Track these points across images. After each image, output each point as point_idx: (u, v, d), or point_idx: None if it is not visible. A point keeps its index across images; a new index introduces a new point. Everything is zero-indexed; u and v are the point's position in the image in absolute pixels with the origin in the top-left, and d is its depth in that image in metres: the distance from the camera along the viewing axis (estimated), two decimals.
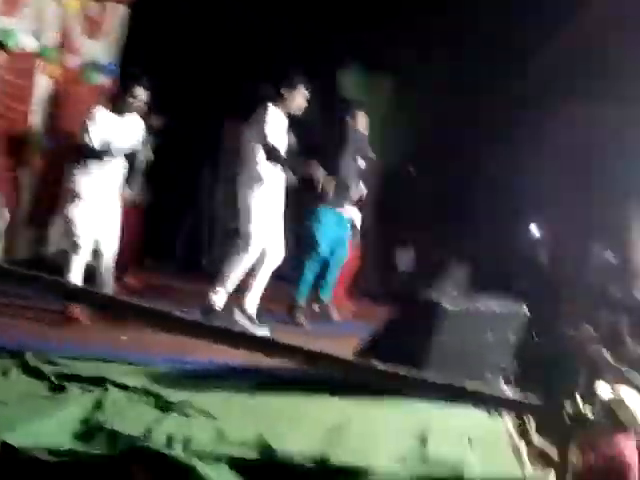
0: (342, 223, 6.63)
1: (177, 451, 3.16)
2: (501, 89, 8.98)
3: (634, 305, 7.60)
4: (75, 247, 5.52)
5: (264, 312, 6.12)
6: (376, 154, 7.09)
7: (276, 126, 5.84)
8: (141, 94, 5.76)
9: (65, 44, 7.75)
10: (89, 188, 5.61)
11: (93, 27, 8.21)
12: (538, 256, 9.92)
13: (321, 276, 6.63)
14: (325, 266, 6.61)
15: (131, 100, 5.72)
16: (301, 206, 6.97)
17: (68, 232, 5.62)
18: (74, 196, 5.59)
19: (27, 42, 7.12)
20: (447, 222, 9.17)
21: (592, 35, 8.03)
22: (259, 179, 5.78)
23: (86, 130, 5.58)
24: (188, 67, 8.92)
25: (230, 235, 6.18)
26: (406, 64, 9.13)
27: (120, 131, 5.71)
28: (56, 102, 7.82)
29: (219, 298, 5.75)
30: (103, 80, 8.34)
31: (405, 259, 9.35)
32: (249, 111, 8.30)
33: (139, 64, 8.29)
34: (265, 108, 5.81)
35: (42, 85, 7.58)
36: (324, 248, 6.47)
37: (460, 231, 8.97)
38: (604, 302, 7.42)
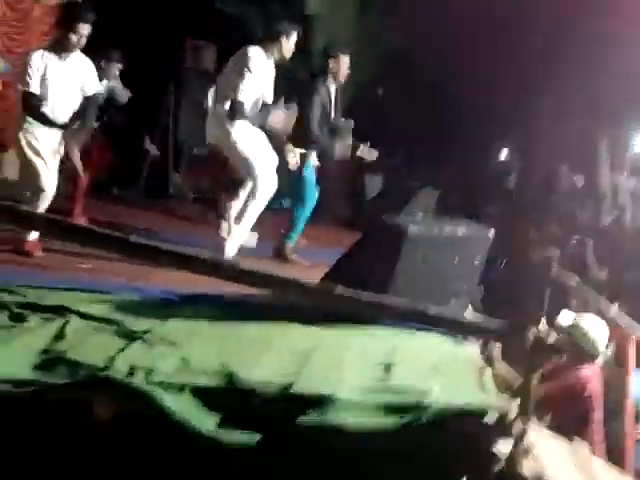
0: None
1: (139, 381, 3.12)
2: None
3: (599, 229, 7.67)
4: (39, 192, 5.17)
5: None
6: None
7: (261, 73, 5.52)
8: (84, 30, 5.09)
9: None
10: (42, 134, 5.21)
11: None
12: (507, 181, 9.94)
13: None
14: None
15: (74, 38, 5.10)
16: None
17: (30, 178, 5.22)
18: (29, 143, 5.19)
19: None
20: (416, 147, 9.09)
21: None
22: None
23: (26, 76, 5.06)
24: None
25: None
26: None
27: (63, 75, 5.20)
28: (6, 23, 7.50)
29: (232, 248, 5.60)
30: None
31: (374, 185, 9.27)
32: (212, 32, 8.11)
33: None
34: (248, 55, 5.44)
35: None
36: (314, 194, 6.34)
37: (429, 156, 8.89)
38: (571, 226, 7.46)
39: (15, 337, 3.44)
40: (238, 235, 5.64)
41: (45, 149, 5.21)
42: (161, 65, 8.49)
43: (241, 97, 5.44)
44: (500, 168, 10.55)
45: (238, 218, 5.63)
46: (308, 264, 6.03)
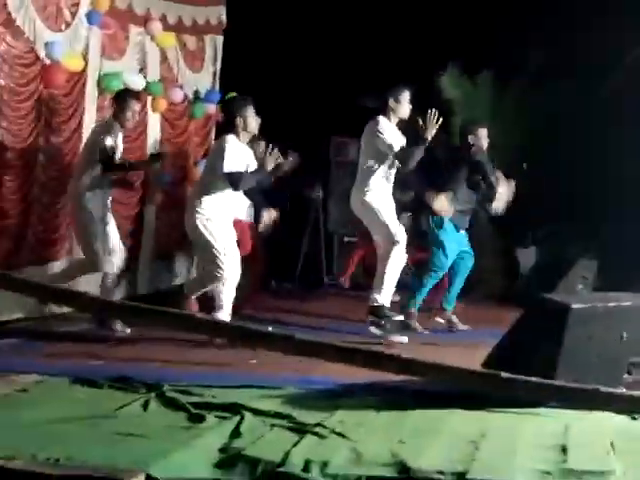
0: (462, 239, 6.59)
1: (315, 474, 3.19)
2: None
3: None
4: (219, 274, 5.62)
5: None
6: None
7: (392, 135, 6.06)
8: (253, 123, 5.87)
9: (168, 79, 8.01)
10: (221, 213, 5.74)
11: (193, 60, 8.47)
12: None
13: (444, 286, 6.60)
14: (448, 276, 6.55)
15: (253, 123, 5.86)
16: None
17: (210, 260, 5.68)
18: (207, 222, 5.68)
19: (135, 81, 7.37)
20: (570, 217, 8.90)
21: None
22: (380, 184, 6.06)
23: (222, 156, 5.66)
24: (285, 87, 9.07)
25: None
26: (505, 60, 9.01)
27: (247, 159, 5.84)
28: (167, 137, 8.08)
29: (385, 300, 5.95)
30: (209, 110, 8.59)
31: (527, 260, 9.11)
32: (354, 126, 8.42)
33: (239, 90, 8.61)
34: (377, 121, 6.07)
35: (152, 121, 7.85)
36: (449, 260, 6.44)
37: (585, 227, 8.68)
38: None
39: (194, 437, 3.59)
40: (385, 294, 5.92)
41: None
42: (309, 162, 8.85)
43: (372, 161, 6.04)
44: None
45: (379, 283, 5.94)
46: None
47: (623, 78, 8.62)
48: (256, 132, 5.97)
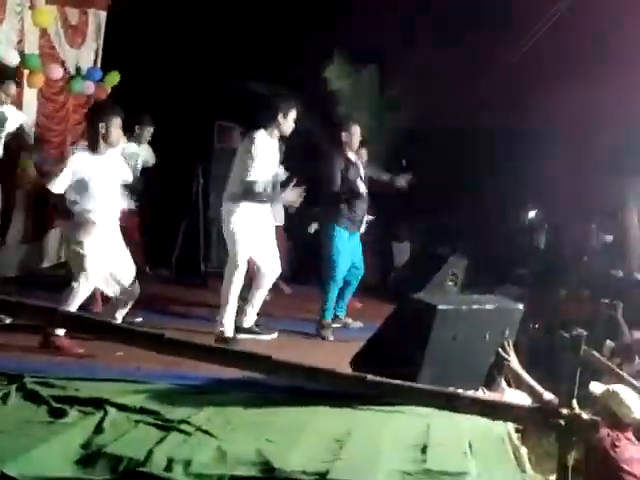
0: (354, 240, 6.61)
1: (178, 474, 3.17)
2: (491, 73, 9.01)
3: (634, 288, 7.62)
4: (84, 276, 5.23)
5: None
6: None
7: (265, 153, 5.82)
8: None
9: (48, 54, 7.71)
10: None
11: (75, 35, 8.19)
12: (537, 242, 9.93)
13: (339, 295, 6.63)
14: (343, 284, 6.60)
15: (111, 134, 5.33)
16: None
17: (77, 259, 5.27)
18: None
19: (9, 54, 7.05)
20: (443, 213, 9.16)
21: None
22: (240, 200, 5.82)
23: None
24: (171, 68, 8.91)
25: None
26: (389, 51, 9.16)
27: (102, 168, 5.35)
28: (43, 114, 7.78)
29: (229, 326, 5.78)
30: (88, 87, 8.34)
31: (401, 254, 9.32)
32: (238, 112, 8.37)
33: (120, 69, 8.39)
34: (252, 139, 5.78)
35: (28, 96, 7.54)
36: (344, 269, 6.46)
37: (456, 221, 8.95)
38: (604, 287, 7.42)
39: (55, 433, 3.50)
40: (227, 314, 5.78)
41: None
42: (191, 145, 8.73)
43: (249, 178, 5.72)
44: (529, 226, 10.58)
45: (223, 297, 5.81)
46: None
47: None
48: (117, 146, 5.48)
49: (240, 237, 5.77)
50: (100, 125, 5.28)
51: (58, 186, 5.19)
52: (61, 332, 5.16)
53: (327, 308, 6.36)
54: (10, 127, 5.87)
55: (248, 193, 5.75)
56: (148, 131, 7.30)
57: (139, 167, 7.07)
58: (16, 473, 3.03)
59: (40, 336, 5.14)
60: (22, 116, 5.98)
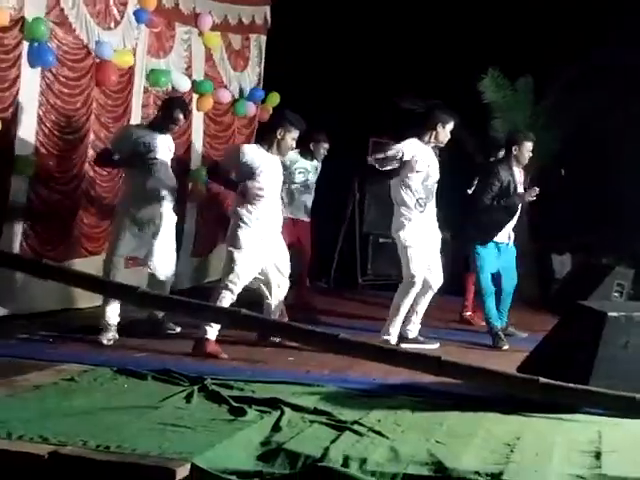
0: (503, 251, 6.58)
1: (354, 470, 3.29)
2: None
3: None
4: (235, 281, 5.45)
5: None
6: None
7: (424, 161, 5.96)
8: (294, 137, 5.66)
9: (214, 78, 8.14)
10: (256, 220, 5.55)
11: (238, 59, 8.61)
12: None
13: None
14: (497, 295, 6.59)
15: (285, 142, 5.60)
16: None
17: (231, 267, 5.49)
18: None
19: (181, 81, 7.52)
20: (605, 225, 8.91)
21: None
22: (410, 216, 5.94)
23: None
24: (327, 87, 9.16)
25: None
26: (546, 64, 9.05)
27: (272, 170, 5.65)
28: (209, 135, 8.22)
29: (394, 335, 5.91)
30: (252, 109, 8.73)
31: (562, 267, 9.14)
32: (393, 129, 8.52)
33: (280, 90, 8.72)
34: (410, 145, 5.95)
35: (197, 120, 8.00)
36: (490, 283, 6.48)
37: (619, 233, 8.68)
38: None
39: (237, 430, 3.71)
40: (395, 324, 5.89)
41: None
42: (348, 161, 8.94)
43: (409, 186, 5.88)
44: None
45: (393, 308, 5.92)
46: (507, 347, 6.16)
47: None
48: (285, 155, 5.81)
49: (414, 253, 5.88)
50: (279, 130, 5.53)
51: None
52: (213, 337, 5.37)
53: (490, 317, 6.35)
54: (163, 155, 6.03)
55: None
56: (324, 148, 7.47)
57: (309, 184, 7.25)
58: (205, 465, 3.23)
59: (193, 342, 5.42)
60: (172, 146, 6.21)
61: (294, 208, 7.10)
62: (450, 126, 6.03)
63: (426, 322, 6.30)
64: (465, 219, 6.71)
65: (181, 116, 6.00)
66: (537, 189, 6.36)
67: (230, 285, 5.40)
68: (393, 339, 5.86)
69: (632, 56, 8.34)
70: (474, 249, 6.43)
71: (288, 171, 6.69)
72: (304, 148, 7.03)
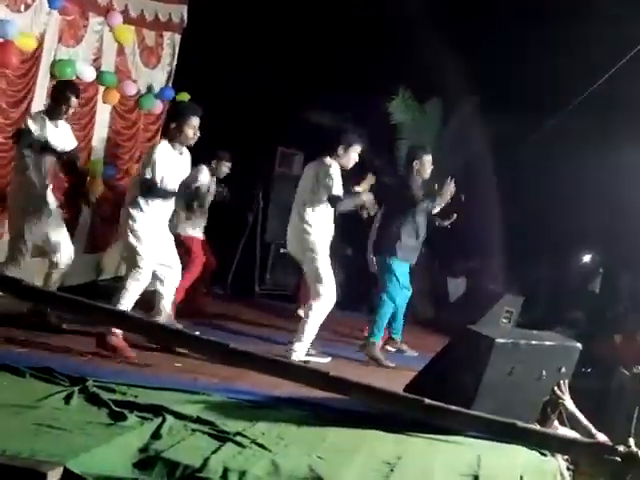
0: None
1: None
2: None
3: None
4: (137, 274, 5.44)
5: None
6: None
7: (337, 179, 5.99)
8: (196, 126, 5.60)
9: (123, 72, 7.97)
10: (148, 221, 5.51)
11: (150, 56, 8.44)
12: (592, 286, 9.83)
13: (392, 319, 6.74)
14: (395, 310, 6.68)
15: (190, 134, 5.56)
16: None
17: (131, 261, 5.50)
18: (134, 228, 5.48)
19: (86, 71, 7.32)
20: (499, 253, 9.15)
21: None
22: (319, 221, 5.98)
23: (151, 165, 5.45)
24: (237, 93, 9.09)
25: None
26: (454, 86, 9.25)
27: (177, 167, 5.63)
28: (115, 130, 8.03)
29: (300, 353, 5.86)
30: (159, 107, 8.58)
31: (456, 287, 9.33)
32: (299, 139, 8.57)
33: (190, 91, 8.61)
34: (327, 164, 5.98)
35: (101, 113, 7.79)
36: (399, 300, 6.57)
37: (513, 262, 8.93)
38: None
39: (115, 435, 3.60)
40: (306, 338, 5.87)
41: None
42: (253, 169, 8.89)
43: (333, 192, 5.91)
44: (585, 273, 10.47)
45: (304, 323, 5.89)
46: (393, 366, 6.23)
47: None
48: (190, 144, 5.66)
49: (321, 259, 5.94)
50: (178, 122, 5.52)
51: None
52: (118, 332, 5.25)
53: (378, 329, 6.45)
54: (60, 146, 5.94)
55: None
56: (227, 166, 7.46)
57: (209, 198, 7.21)
58: (78, 470, 3.11)
59: (96, 337, 5.28)
60: (73, 142, 6.14)
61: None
62: (356, 149, 6.07)
63: (321, 336, 6.30)
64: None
65: (74, 98, 5.92)
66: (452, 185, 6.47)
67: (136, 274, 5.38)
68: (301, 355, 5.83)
69: None
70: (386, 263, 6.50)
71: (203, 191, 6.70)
72: (206, 164, 7.11)
